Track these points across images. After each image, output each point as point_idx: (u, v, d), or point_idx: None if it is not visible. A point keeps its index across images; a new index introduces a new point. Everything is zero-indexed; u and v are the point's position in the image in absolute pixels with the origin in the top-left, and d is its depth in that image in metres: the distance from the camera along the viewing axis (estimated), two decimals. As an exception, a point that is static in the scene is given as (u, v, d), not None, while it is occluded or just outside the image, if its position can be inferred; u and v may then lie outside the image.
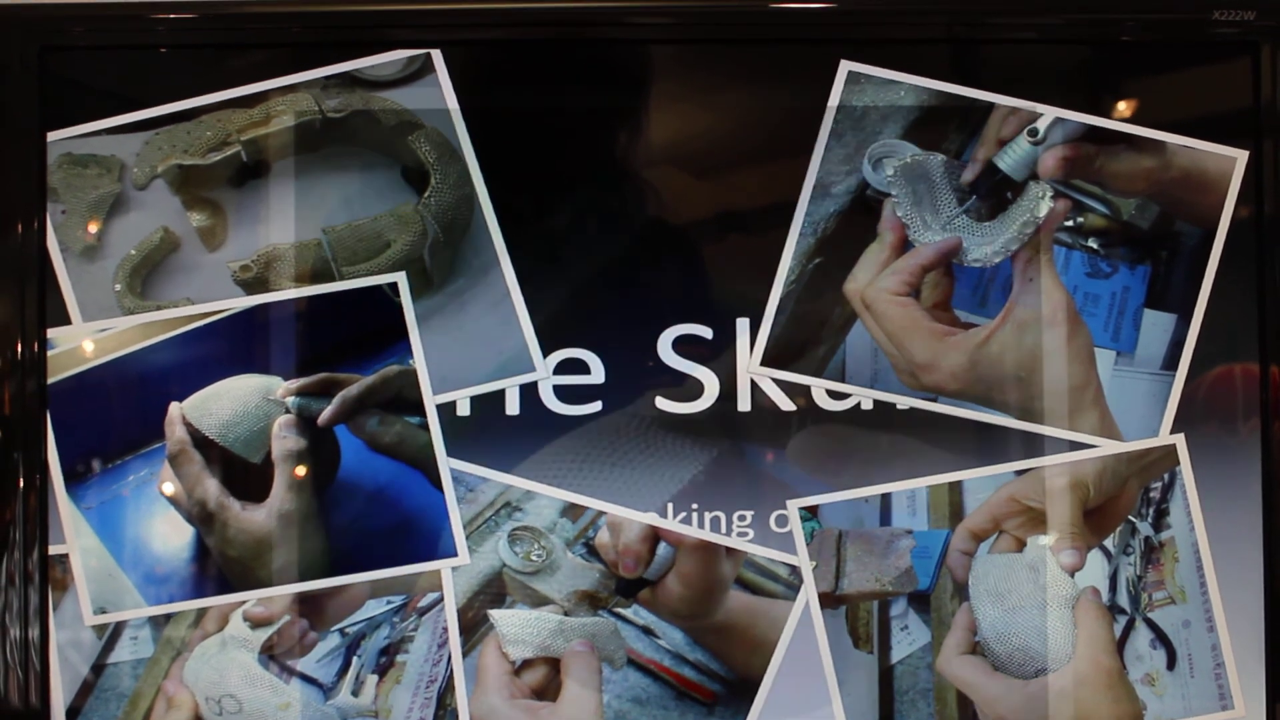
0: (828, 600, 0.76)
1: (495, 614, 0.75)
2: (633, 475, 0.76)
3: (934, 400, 0.76)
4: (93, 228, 0.76)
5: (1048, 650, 0.73)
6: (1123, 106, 0.78)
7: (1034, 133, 0.75)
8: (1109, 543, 0.78)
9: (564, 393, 0.76)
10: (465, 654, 0.75)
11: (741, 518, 0.76)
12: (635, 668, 0.78)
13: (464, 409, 0.75)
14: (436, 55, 0.76)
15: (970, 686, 0.74)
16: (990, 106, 0.76)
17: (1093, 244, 0.79)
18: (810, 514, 0.77)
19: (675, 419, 0.76)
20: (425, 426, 0.75)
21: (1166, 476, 0.78)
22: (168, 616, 0.76)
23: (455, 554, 0.75)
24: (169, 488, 0.75)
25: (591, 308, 0.76)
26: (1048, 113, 0.76)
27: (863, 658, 0.77)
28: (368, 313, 0.76)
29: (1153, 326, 0.78)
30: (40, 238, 0.75)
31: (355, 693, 0.76)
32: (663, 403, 0.77)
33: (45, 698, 0.74)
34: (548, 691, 0.74)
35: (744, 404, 0.76)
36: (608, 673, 0.75)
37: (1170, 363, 0.77)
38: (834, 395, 0.76)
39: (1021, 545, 0.76)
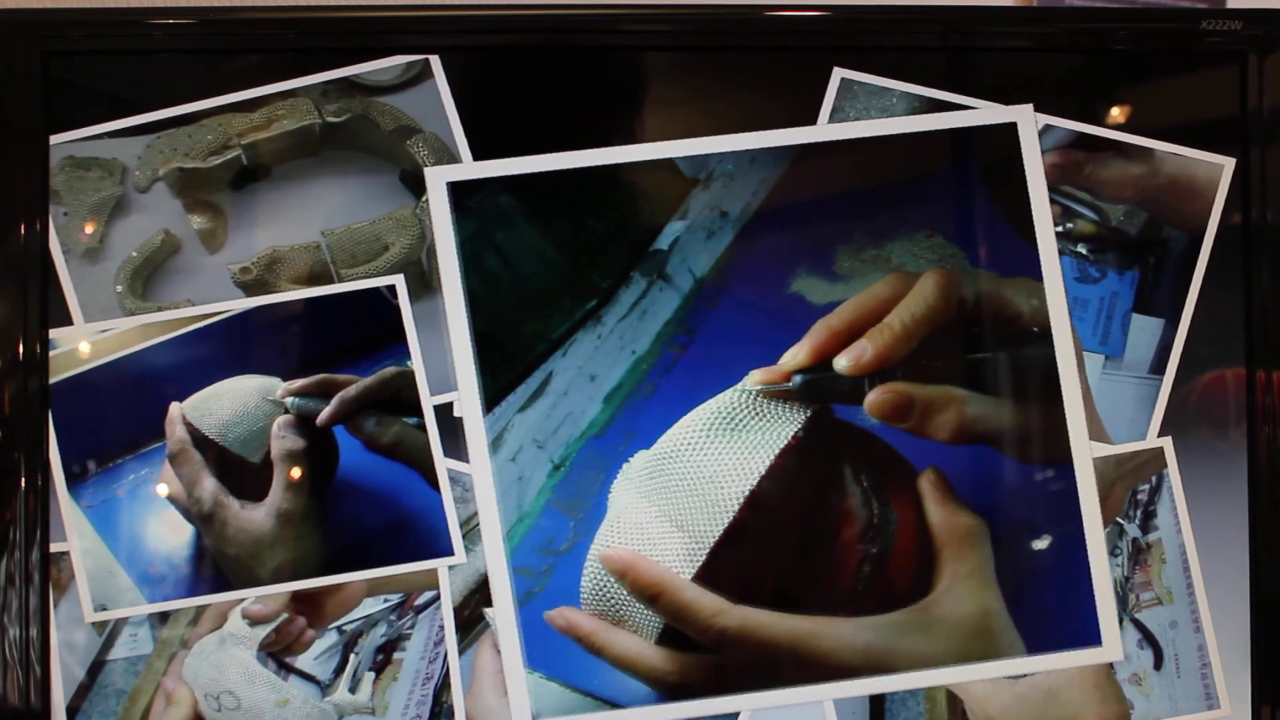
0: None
1: (491, 612, 0.75)
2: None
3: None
4: (94, 229, 0.76)
5: (1036, 650, 0.74)
6: (1112, 114, 0.79)
7: (1024, 139, 0.76)
8: (1097, 544, 0.79)
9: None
10: (461, 652, 0.76)
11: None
12: (629, 666, 0.78)
13: (461, 410, 0.76)
14: (435, 61, 0.76)
15: (959, 685, 0.75)
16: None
17: (1082, 249, 0.79)
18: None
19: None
20: (423, 427, 0.75)
21: (1154, 479, 0.79)
22: (166, 614, 0.76)
23: (452, 553, 0.75)
24: (169, 487, 0.76)
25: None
26: (1038, 120, 0.77)
27: (854, 657, 0.78)
28: (366, 315, 0.77)
29: (1140, 331, 0.79)
30: (42, 239, 0.76)
31: (352, 690, 0.76)
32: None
33: (45, 696, 0.75)
34: (543, 689, 0.75)
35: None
36: (602, 671, 0.76)
37: (1158, 367, 0.78)
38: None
39: (1011, 546, 0.77)
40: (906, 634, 0.47)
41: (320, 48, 0.77)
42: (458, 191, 0.49)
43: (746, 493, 0.44)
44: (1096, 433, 0.77)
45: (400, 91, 0.77)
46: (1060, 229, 0.79)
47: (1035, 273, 0.54)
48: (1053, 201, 0.77)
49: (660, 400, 0.44)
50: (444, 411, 0.76)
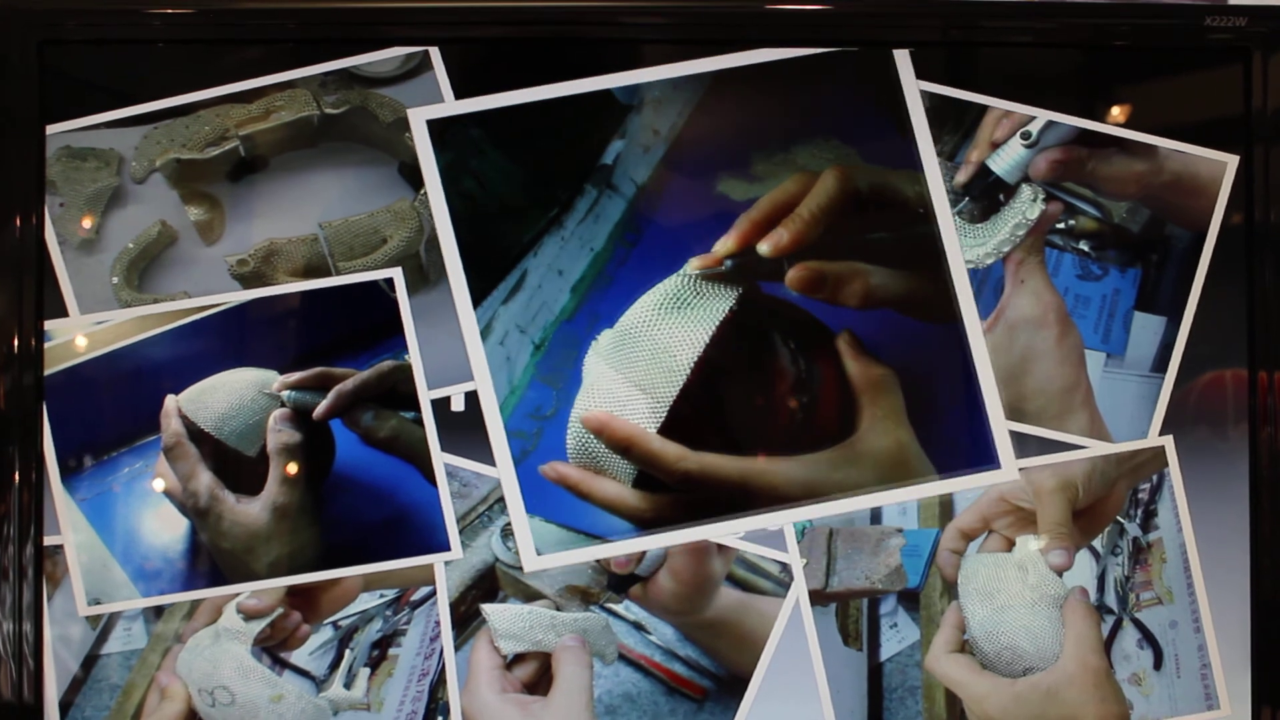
0: (818, 598, 0.76)
1: (487, 608, 0.75)
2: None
3: (925, 400, 0.76)
4: (89, 221, 0.76)
5: (1035, 649, 0.74)
6: (1115, 111, 0.78)
7: (1027, 136, 0.76)
8: (1097, 543, 0.79)
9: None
10: (457, 648, 0.76)
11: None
12: (626, 663, 0.78)
13: (458, 404, 0.75)
14: (434, 53, 0.76)
15: (958, 684, 0.75)
16: (983, 109, 0.77)
17: (1084, 247, 0.79)
18: (801, 512, 0.77)
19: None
20: (420, 421, 0.75)
21: (1155, 478, 0.78)
22: (160, 608, 0.76)
23: (448, 548, 0.75)
24: (164, 480, 0.76)
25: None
26: (1041, 116, 0.77)
27: (852, 655, 0.78)
28: (364, 308, 0.76)
29: (1142, 329, 0.78)
30: (38, 230, 0.75)
31: (348, 685, 0.76)
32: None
33: (38, 691, 0.75)
34: (539, 686, 0.75)
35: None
36: (599, 668, 0.75)
37: (1160, 365, 0.78)
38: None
39: (1011, 545, 0.76)
40: (837, 467, 0.58)
41: (319, 39, 0.76)
42: (435, 128, 0.60)
43: (695, 359, 0.55)
44: (1098, 431, 0.77)
45: (399, 83, 0.76)
46: (1062, 226, 0.79)
47: (916, 165, 0.63)
48: (1055, 198, 0.77)
49: (618, 287, 0.56)
50: (441, 406, 0.75)
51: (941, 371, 0.60)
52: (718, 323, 0.55)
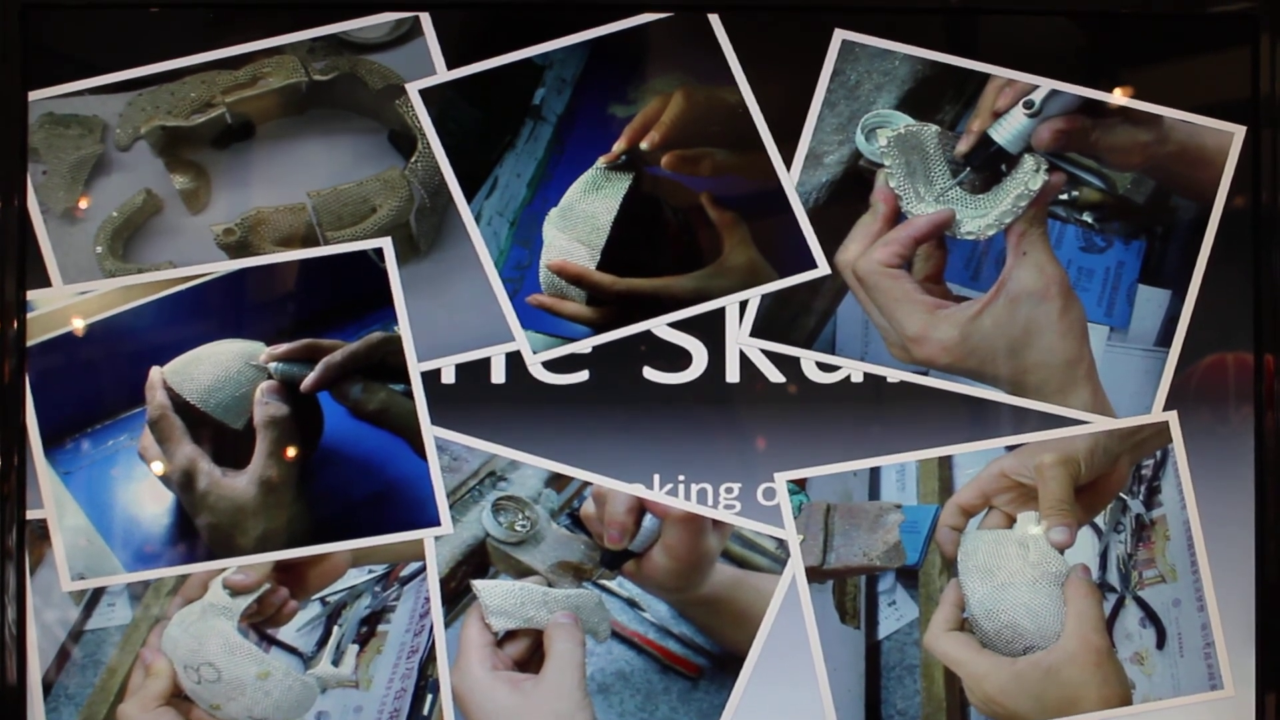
0: (815, 574, 0.76)
1: (478, 584, 0.74)
2: (619, 445, 0.76)
3: (925, 374, 0.75)
4: (75, 190, 0.75)
5: (1036, 627, 0.72)
6: (1120, 81, 0.77)
7: (1030, 105, 0.74)
8: (1100, 520, 0.78)
9: (550, 362, 0.76)
10: (447, 624, 0.75)
11: (729, 490, 0.75)
12: (619, 641, 0.77)
13: (449, 377, 0.75)
14: (425, 18, 0.75)
15: (957, 663, 0.73)
16: (985, 78, 0.76)
17: (1087, 218, 0.78)
18: (798, 487, 0.76)
19: (663, 389, 0.76)
20: (409, 394, 0.74)
21: (1159, 454, 0.77)
22: (145, 584, 0.75)
23: (438, 523, 0.74)
24: (149, 453, 0.74)
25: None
26: (1044, 85, 0.75)
27: (849, 633, 0.77)
28: (352, 278, 0.75)
29: (1147, 302, 0.77)
30: (21, 199, 0.74)
31: (336, 662, 0.75)
32: (650, 373, 0.76)
33: (21, 667, 0.74)
34: (530, 663, 0.73)
35: (732, 375, 0.76)
36: (591, 645, 0.74)
37: (1164, 339, 0.77)
38: (823, 367, 0.76)
39: (1011, 521, 0.75)
40: (714, 278, 0.77)
41: (308, 3, 0.75)
42: (424, 94, 0.77)
43: (612, 219, 0.76)
44: (1100, 406, 0.76)
45: (389, 49, 0.75)
46: (1066, 197, 0.77)
47: (733, 81, 0.77)
48: (1058, 168, 0.75)
49: (556, 181, 0.78)
50: (431, 378, 0.74)
51: (771, 210, 0.77)
52: (622, 195, 0.77)
